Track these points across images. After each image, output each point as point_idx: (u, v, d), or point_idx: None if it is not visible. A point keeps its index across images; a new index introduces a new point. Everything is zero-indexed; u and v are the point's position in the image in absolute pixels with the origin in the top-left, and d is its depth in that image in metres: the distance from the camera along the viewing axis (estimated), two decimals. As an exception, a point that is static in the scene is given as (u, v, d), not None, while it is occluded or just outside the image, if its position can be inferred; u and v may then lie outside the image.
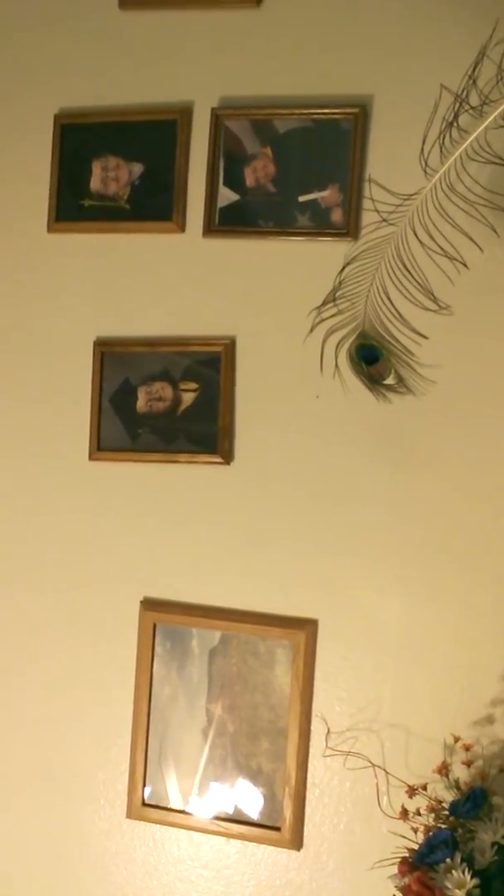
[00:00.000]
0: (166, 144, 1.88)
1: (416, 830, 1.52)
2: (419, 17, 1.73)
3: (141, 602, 1.87)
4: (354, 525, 1.76)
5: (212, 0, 1.85)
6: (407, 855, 1.49)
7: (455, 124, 1.59)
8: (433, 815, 1.52)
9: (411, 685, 1.71)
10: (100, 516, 1.92)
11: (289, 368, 1.80)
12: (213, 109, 1.85)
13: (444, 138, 1.61)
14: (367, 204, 1.73)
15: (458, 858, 1.41)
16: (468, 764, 1.56)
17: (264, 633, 1.78)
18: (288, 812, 1.75)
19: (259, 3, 1.83)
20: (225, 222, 1.85)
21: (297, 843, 1.75)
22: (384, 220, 1.69)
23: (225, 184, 1.84)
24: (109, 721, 1.89)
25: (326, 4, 1.78)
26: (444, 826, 1.49)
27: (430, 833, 1.48)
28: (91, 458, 1.91)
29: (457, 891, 1.38)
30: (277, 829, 1.76)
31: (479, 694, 1.66)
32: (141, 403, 1.89)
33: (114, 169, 1.92)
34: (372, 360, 1.71)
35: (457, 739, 1.59)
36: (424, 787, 1.55)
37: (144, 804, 1.85)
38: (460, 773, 1.56)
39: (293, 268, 1.80)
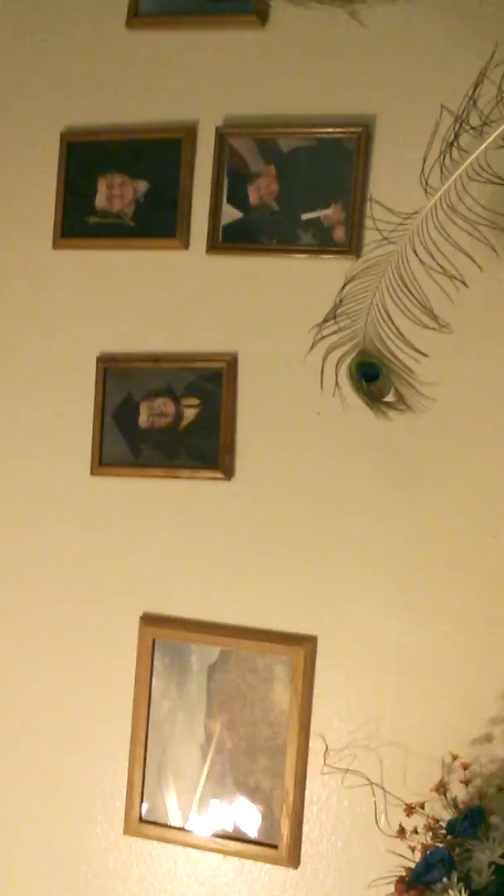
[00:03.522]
0: (171, 162, 1.89)
1: (413, 849, 1.52)
2: (421, 38, 1.74)
3: (140, 617, 1.87)
4: (354, 542, 1.76)
5: (217, 20, 1.88)
6: (404, 874, 1.49)
7: (456, 144, 1.61)
8: (430, 833, 1.52)
9: (410, 703, 1.71)
10: (101, 531, 1.92)
11: (290, 385, 1.80)
12: (217, 128, 1.86)
13: (444, 158, 1.63)
14: (368, 222, 1.74)
15: (454, 878, 1.41)
16: (466, 783, 1.55)
17: (263, 650, 1.78)
18: (285, 829, 1.74)
19: (264, 24, 1.85)
20: (228, 239, 1.86)
21: (294, 860, 1.75)
22: (385, 239, 1.71)
23: (229, 201, 1.86)
24: (108, 736, 1.89)
25: (330, 25, 1.80)
26: (441, 845, 1.49)
27: (428, 852, 1.48)
28: (93, 473, 1.92)
29: (453, 910, 1.37)
30: (275, 846, 1.75)
31: (478, 712, 1.66)
32: (143, 419, 1.90)
33: (119, 186, 1.93)
34: (372, 377, 1.71)
35: (455, 758, 1.59)
36: (422, 806, 1.55)
37: (142, 820, 1.84)
38: (458, 791, 1.55)
39: (295, 285, 1.82)
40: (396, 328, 1.71)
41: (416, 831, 1.52)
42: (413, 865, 1.48)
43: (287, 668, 1.76)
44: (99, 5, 1.97)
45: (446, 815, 1.52)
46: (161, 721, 1.85)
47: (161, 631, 1.85)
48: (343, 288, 1.74)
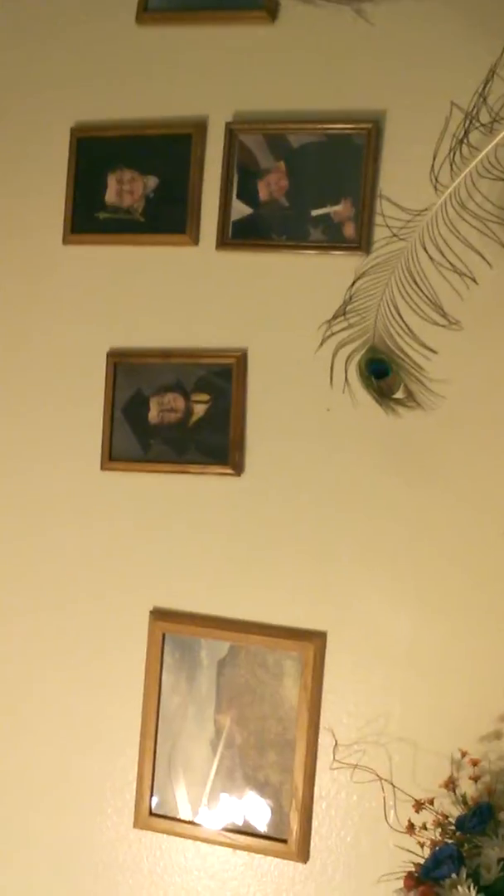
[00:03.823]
0: (181, 158, 1.89)
1: (422, 845, 1.53)
2: (431, 35, 1.74)
3: (150, 612, 1.88)
4: (364, 538, 1.76)
5: (226, 16, 1.87)
6: (413, 869, 1.49)
7: (465, 141, 1.60)
8: (440, 829, 1.52)
9: (420, 699, 1.71)
10: (110, 526, 1.93)
11: (299, 381, 1.80)
12: (227, 124, 1.86)
13: (454, 155, 1.62)
14: (378, 219, 1.74)
15: (463, 874, 1.41)
16: (475, 779, 1.56)
17: (273, 645, 1.79)
18: (295, 824, 1.75)
19: (273, 19, 1.84)
20: (238, 235, 1.86)
21: (303, 855, 1.75)
22: (395, 235, 1.70)
23: (238, 197, 1.86)
24: (118, 730, 1.90)
25: (340, 21, 1.80)
26: (450, 841, 1.49)
27: (437, 848, 1.48)
28: (103, 468, 1.93)
29: (462, 906, 1.38)
30: (284, 841, 1.76)
31: (488, 709, 1.66)
32: (153, 414, 1.90)
33: (129, 182, 1.93)
34: (381, 374, 1.71)
35: (464, 754, 1.59)
36: (431, 802, 1.55)
37: (152, 814, 1.85)
38: (467, 788, 1.56)
39: (305, 281, 1.82)
40: (406, 325, 1.71)
41: (425, 827, 1.53)
42: (422, 861, 1.48)
43: (296, 663, 1.77)
44: (108, 1, 1.97)
45: (455, 812, 1.53)
46: (171, 715, 1.85)
47: (171, 626, 1.86)
48: (353, 284, 1.74)
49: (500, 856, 1.42)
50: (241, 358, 1.85)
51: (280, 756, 1.78)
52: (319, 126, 1.80)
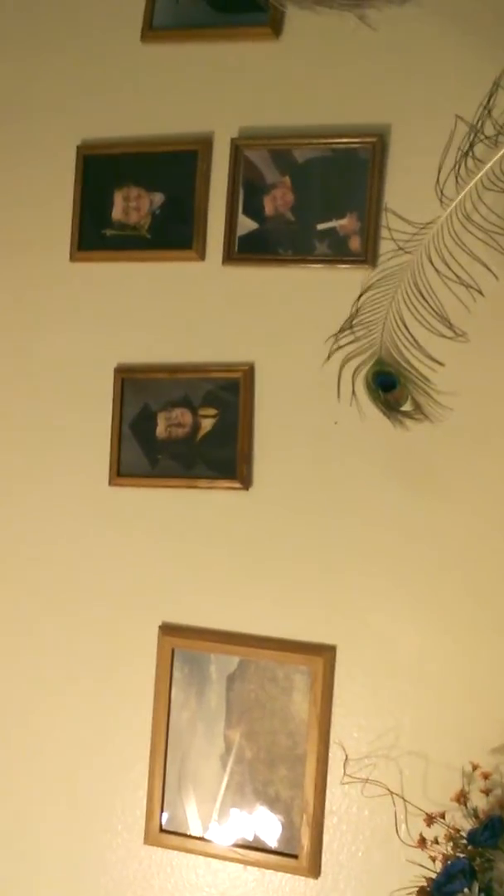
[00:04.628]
0: (187, 174, 1.90)
1: (434, 859, 1.52)
2: (435, 48, 1.75)
3: (159, 627, 1.88)
4: (373, 551, 1.76)
5: (231, 32, 1.89)
6: (425, 884, 1.49)
7: (470, 154, 1.61)
8: (451, 843, 1.51)
9: (430, 712, 1.71)
10: (119, 541, 1.93)
11: (307, 395, 1.81)
12: (232, 140, 1.87)
13: (459, 168, 1.63)
14: (384, 232, 1.75)
15: (475, 888, 1.41)
16: (486, 792, 1.55)
17: (282, 659, 1.78)
18: (306, 840, 1.74)
19: (278, 36, 1.86)
20: (244, 250, 1.87)
21: (314, 871, 1.74)
22: (401, 249, 1.71)
23: (244, 213, 1.87)
24: (127, 746, 1.89)
25: (344, 36, 1.81)
26: (462, 855, 1.48)
27: (449, 862, 1.48)
28: (111, 483, 1.93)
29: (474, 921, 1.37)
30: (295, 856, 1.75)
31: (499, 721, 1.65)
32: (161, 429, 1.91)
33: (135, 199, 1.95)
34: (389, 386, 1.72)
35: (475, 767, 1.58)
36: (443, 816, 1.54)
37: (162, 830, 1.85)
38: (479, 801, 1.55)
39: (311, 295, 1.82)
40: (413, 337, 1.72)
41: (436, 841, 1.52)
42: (434, 876, 1.48)
43: (306, 677, 1.76)
44: (114, 19, 1.99)
45: (467, 825, 1.52)
46: (180, 731, 1.85)
47: (180, 640, 1.85)
48: (359, 298, 1.74)
49: (512, 870, 1.42)
50: (248, 372, 1.85)
51: (290, 771, 1.77)
52: (324, 140, 1.81)
